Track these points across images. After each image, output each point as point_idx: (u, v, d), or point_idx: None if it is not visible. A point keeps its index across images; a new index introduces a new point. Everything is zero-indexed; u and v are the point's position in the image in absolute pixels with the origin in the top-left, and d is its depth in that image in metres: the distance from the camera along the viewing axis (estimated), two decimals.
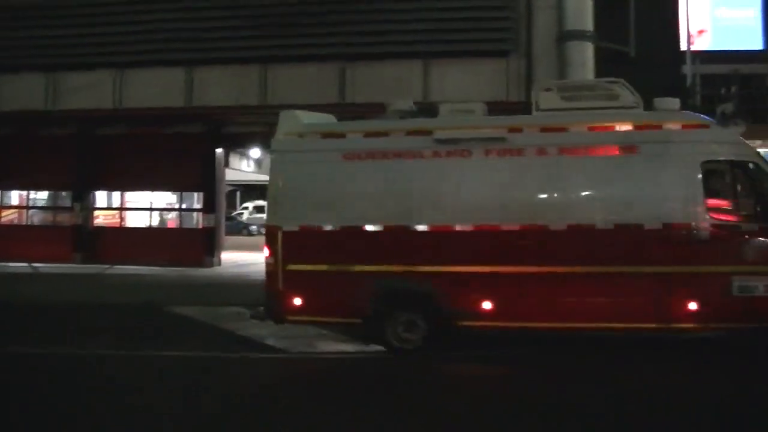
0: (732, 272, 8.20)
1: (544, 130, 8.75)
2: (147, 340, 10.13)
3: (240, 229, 37.35)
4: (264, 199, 40.40)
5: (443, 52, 16.65)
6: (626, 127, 8.68)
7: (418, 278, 8.73)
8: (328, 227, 8.94)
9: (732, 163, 8.79)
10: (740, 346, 8.68)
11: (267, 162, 27.15)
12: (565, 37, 16.13)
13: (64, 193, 22.20)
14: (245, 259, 22.63)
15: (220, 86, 17.82)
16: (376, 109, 10.49)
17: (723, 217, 8.51)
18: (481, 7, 16.80)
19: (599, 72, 15.79)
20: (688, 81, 28.38)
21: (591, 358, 8.74)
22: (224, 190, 23.40)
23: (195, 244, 20.40)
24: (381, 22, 16.88)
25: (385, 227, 8.85)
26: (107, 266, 19.70)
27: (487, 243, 8.59)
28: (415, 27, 16.70)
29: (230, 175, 23.99)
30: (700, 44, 35.05)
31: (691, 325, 8.31)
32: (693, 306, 8.21)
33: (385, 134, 9.06)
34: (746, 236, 8.36)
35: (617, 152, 8.59)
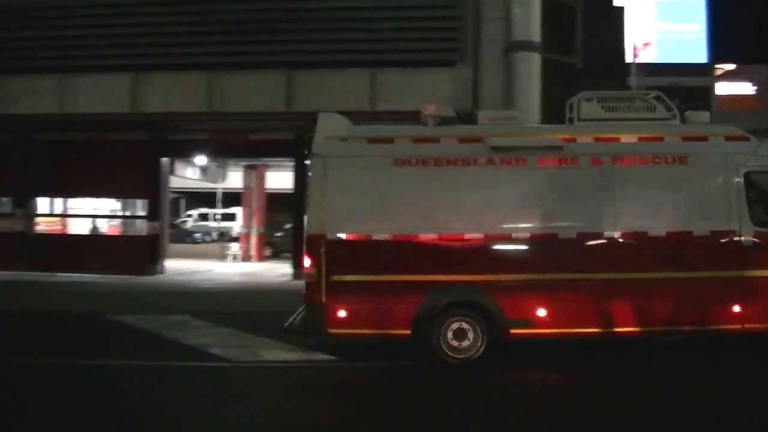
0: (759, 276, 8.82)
1: (597, 139, 9.04)
2: (85, 350, 9.97)
3: (184, 236, 36.91)
4: (208, 206, 40.30)
5: (391, 61, 16.78)
6: (675, 138, 9.10)
7: (473, 288, 8.73)
8: (378, 236, 8.70)
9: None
10: None
11: (213, 169, 27.23)
12: (512, 47, 16.30)
13: (5, 199, 21.72)
14: (189, 267, 22.43)
15: (166, 93, 17.64)
16: None
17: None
18: (429, 17, 16.96)
19: (546, 83, 16.13)
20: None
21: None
22: (168, 197, 23.17)
23: (139, 252, 20.12)
24: (328, 31, 16.91)
25: (438, 236, 8.77)
26: (49, 274, 19.30)
27: (542, 251, 8.73)
28: (363, 36, 16.83)
29: (175, 182, 23.77)
30: (646, 57, 36.04)
31: (735, 326, 8.79)
32: (737, 308, 8.73)
33: (436, 140, 9.00)
34: None
35: (668, 162, 8.99)
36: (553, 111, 15.56)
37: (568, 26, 18.50)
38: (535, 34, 16.40)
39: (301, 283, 9.07)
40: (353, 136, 9.04)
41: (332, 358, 9.20)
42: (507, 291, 8.65)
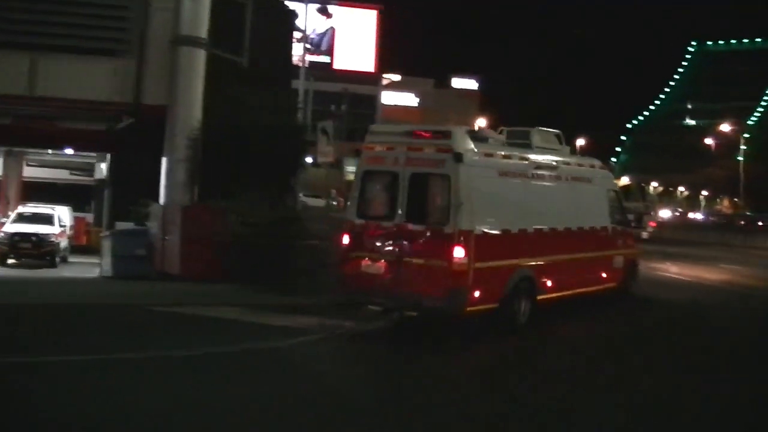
0: (614, 254, 14.54)
1: (566, 164, 13.48)
2: None
3: None
4: None
5: (53, 46, 16.37)
6: (587, 166, 14.71)
7: (527, 268, 11.72)
8: (495, 231, 11.17)
9: (614, 190, 15.50)
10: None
11: None
12: (178, 41, 16.37)
13: None
14: None
15: None
16: None
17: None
18: (93, 3, 16.81)
19: (212, 80, 16.64)
20: (300, 96, 31.12)
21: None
22: None
23: None
24: None
25: (519, 230, 11.67)
26: None
27: (549, 240, 12.43)
28: (23, 17, 16.21)
29: None
30: (317, 61, 38.59)
31: (610, 285, 14.42)
32: (605, 274, 14.23)
33: (515, 157, 12.11)
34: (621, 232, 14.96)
35: (586, 182, 14.02)
36: (218, 109, 16.43)
37: (237, 24, 19.07)
38: (203, 30, 16.55)
39: None
40: (479, 151, 11.15)
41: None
42: (537, 269, 11.94)
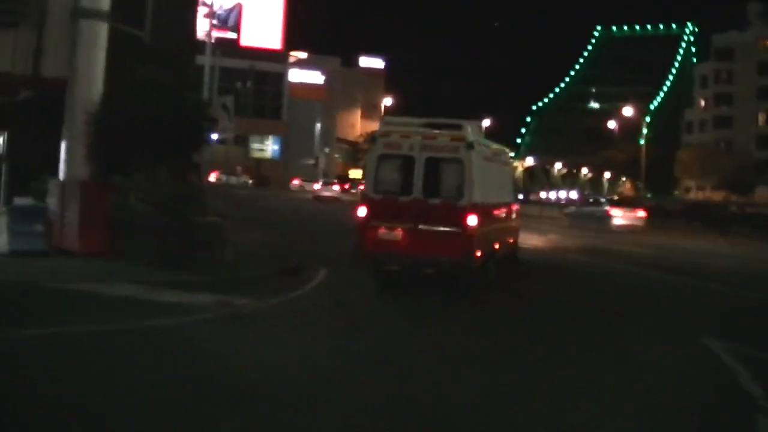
0: (515, 223, 17.85)
1: (496, 151, 16.60)
2: None
3: None
4: None
5: None
6: (504, 151, 17.76)
7: (493, 232, 14.93)
8: (485, 204, 14.00)
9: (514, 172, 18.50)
10: None
11: None
12: (79, 13, 16.15)
13: None
14: None
15: None
16: None
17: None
18: None
19: (114, 55, 16.57)
20: (206, 73, 31.08)
21: None
22: None
23: None
24: None
25: (490, 203, 14.74)
26: None
27: (497, 211, 15.54)
28: None
29: None
30: (224, 38, 38.41)
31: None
32: (512, 240, 17.66)
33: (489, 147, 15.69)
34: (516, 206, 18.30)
35: (506, 165, 17.66)
36: (120, 84, 16.46)
37: None
38: (104, 2, 16.39)
39: None
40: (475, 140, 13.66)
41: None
42: (495, 234, 14.90)
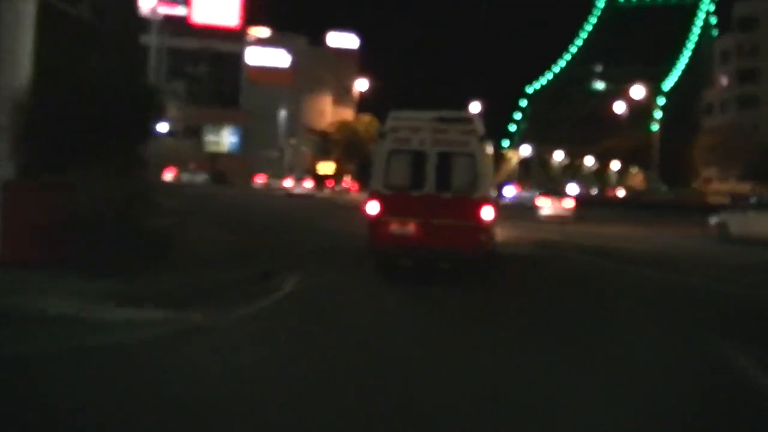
0: None
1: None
2: None
3: None
4: None
5: None
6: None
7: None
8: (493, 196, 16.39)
9: None
10: None
11: None
12: None
13: None
14: None
15: None
16: None
17: None
18: None
19: (44, 36, 16.46)
20: (152, 55, 30.99)
21: None
22: None
23: None
24: None
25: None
26: None
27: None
28: None
29: None
30: (173, 15, 38.22)
31: None
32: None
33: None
34: None
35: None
36: (51, 69, 16.35)
37: None
38: None
39: None
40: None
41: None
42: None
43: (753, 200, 32.60)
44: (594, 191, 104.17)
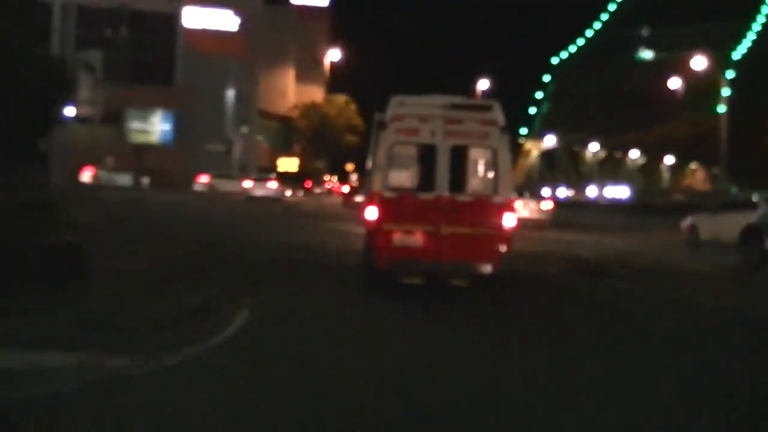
0: None
1: None
2: None
3: None
4: None
5: None
6: None
7: None
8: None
9: None
10: None
11: None
12: None
13: None
14: None
15: None
16: None
17: None
18: None
19: None
20: (56, 15, 30.68)
21: None
22: None
23: None
24: None
25: None
26: None
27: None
28: None
29: None
30: None
31: None
32: None
33: None
34: None
35: None
36: None
37: None
38: None
39: None
40: None
41: None
42: None
43: (726, 199, 36.21)
44: (646, 192, 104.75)
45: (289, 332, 13.54)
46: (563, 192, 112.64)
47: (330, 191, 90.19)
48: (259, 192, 65.03)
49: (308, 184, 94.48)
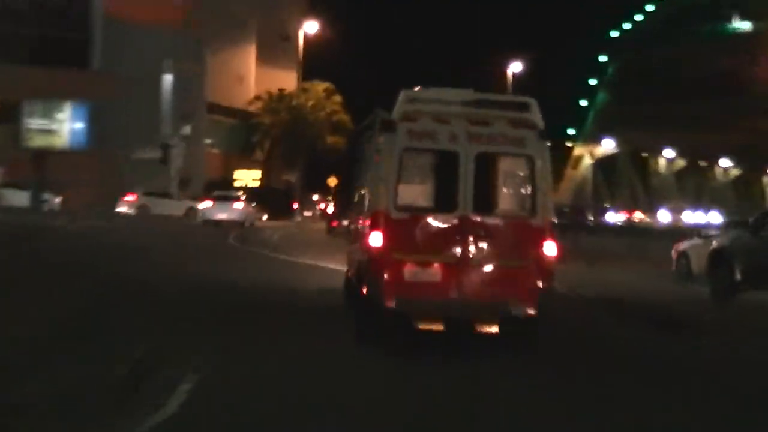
0: None
1: None
2: None
3: None
4: None
5: None
6: None
7: None
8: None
9: None
10: None
11: None
12: None
13: None
14: None
15: None
16: None
17: None
18: None
19: None
20: None
21: None
22: None
23: None
24: None
25: None
26: None
27: None
28: None
29: None
30: None
31: None
32: None
33: None
34: None
35: None
36: None
37: None
38: None
39: None
40: None
41: None
42: None
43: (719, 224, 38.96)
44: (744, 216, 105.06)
45: (244, 405, 12.98)
46: (612, 216, 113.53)
47: (323, 214, 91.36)
48: (220, 214, 67.59)
49: (295, 203, 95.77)
